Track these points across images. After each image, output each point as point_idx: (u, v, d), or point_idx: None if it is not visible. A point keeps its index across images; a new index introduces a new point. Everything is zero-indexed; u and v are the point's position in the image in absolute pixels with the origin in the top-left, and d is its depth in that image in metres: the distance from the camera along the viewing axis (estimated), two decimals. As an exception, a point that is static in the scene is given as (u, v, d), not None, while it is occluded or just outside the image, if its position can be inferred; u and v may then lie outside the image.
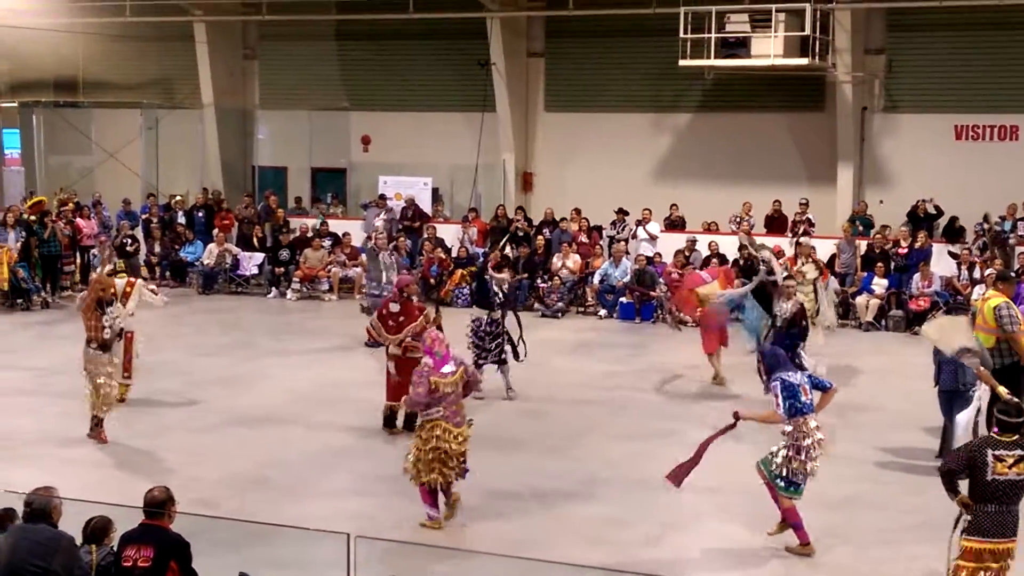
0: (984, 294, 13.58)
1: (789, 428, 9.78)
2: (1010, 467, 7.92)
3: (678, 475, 10.11)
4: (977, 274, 20.60)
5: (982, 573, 8.10)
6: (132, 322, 14.08)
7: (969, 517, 8.09)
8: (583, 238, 23.77)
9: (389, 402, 13.31)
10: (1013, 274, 16.72)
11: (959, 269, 21.22)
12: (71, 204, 24.98)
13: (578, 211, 24.34)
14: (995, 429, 8.14)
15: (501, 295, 15.36)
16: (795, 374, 10.06)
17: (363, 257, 21.95)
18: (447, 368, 10.34)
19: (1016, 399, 9.22)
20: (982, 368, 11.35)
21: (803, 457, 9.74)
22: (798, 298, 15.43)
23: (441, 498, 10.46)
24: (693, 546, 10.27)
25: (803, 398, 9.82)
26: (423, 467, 10.29)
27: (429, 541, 8.57)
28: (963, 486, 8.21)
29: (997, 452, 7.95)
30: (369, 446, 13.03)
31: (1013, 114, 23.75)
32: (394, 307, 13.44)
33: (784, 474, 9.80)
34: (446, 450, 10.24)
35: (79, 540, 7.68)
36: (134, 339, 13.85)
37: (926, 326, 13.64)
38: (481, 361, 14.91)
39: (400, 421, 13.31)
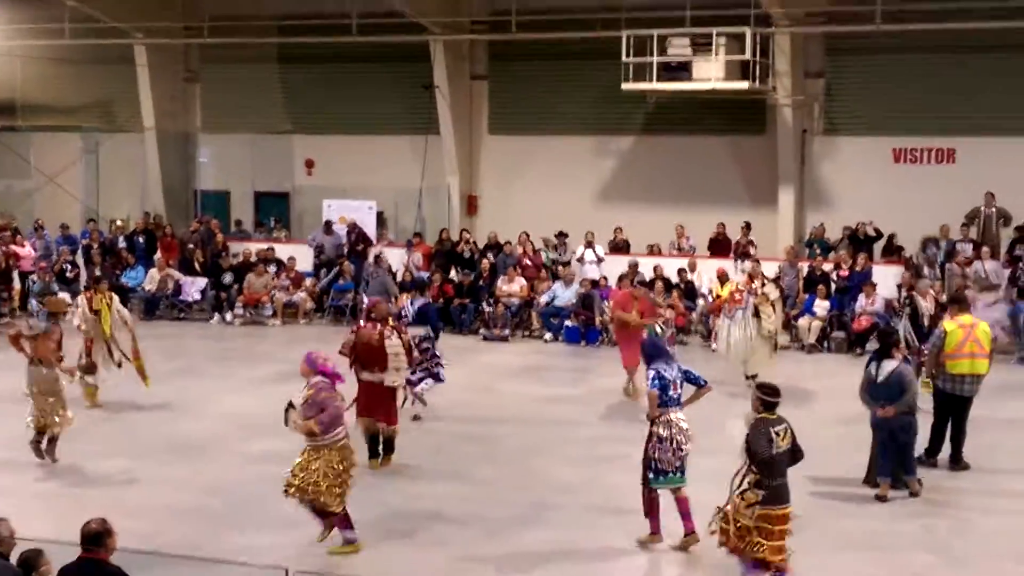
0: (957, 319, 13.44)
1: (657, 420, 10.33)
2: (783, 439, 9.17)
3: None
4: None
5: (777, 539, 9.16)
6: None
7: (764, 492, 9.10)
8: (526, 261, 23.80)
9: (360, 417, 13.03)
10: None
11: (899, 291, 21.46)
12: (9, 230, 24.66)
13: (527, 234, 24.38)
14: (762, 412, 9.24)
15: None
16: (671, 368, 10.52)
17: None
18: (339, 385, 10.43)
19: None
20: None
21: (666, 448, 10.25)
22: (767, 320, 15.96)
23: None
24: (647, 570, 10.27)
25: (671, 392, 10.39)
26: (341, 490, 10.21)
27: (368, 573, 8.49)
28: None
29: (775, 429, 9.15)
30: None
31: (950, 137, 24.11)
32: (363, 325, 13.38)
33: (652, 465, 10.31)
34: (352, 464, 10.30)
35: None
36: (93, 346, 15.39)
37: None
38: (421, 376, 14.88)
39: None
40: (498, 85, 27.59)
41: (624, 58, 23.85)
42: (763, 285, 17.90)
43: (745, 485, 9.27)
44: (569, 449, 14.15)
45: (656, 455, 10.31)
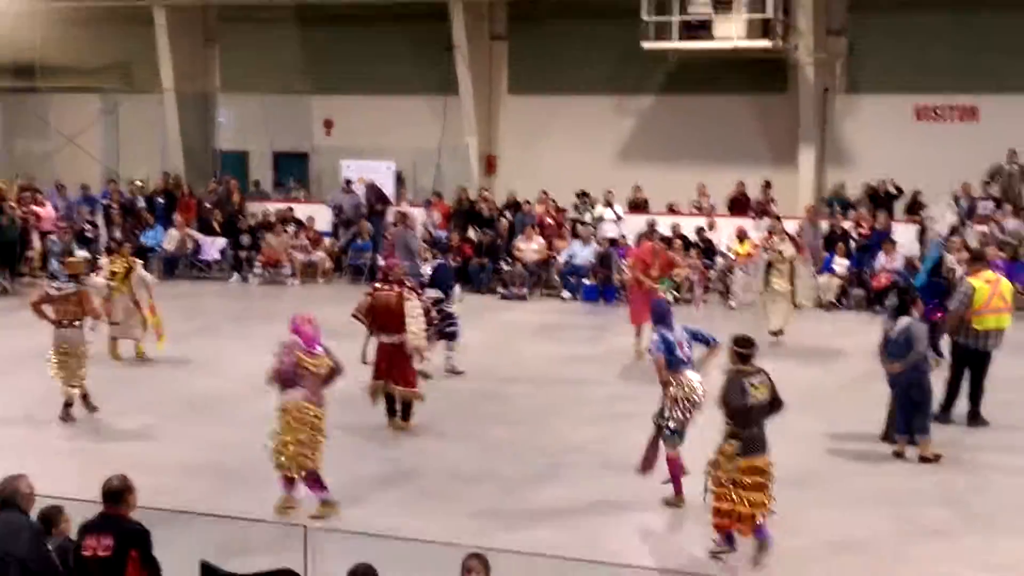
0: (982, 275, 13.38)
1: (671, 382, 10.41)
2: (759, 391, 9.19)
3: (647, 463, 10.50)
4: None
5: (753, 490, 9.15)
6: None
7: (740, 443, 9.13)
8: (548, 220, 23.76)
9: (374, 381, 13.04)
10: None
11: (921, 248, 21.35)
12: (30, 190, 24.76)
13: (545, 193, 24.33)
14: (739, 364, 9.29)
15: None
16: (674, 330, 10.60)
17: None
18: (316, 349, 10.41)
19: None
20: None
21: (680, 407, 10.36)
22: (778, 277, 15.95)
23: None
24: (657, 527, 10.31)
25: (678, 352, 10.47)
26: (311, 452, 10.28)
27: (386, 529, 8.56)
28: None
29: (751, 380, 9.17)
30: (331, 432, 12.97)
31: (973, 95, 23.90)
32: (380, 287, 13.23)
33: (670, 424, 10.40)
34: (318, 428, 10.30)
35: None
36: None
37: None
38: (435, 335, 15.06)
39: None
40: (518, 45, 27.44)
41: (645, 16, 23.72)
42: (780, 242, 17.84)
43: (721, 439, 9.35)
44: (585, 407, 14.18)
45: (673, 414, 10.38)
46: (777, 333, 17.56)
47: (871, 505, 10.74)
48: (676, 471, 10.51)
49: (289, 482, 10.42)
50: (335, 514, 10.25)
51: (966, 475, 11.66)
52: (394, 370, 12.90)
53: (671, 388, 10.42)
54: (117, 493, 7.59)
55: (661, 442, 10.52)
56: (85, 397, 13.54)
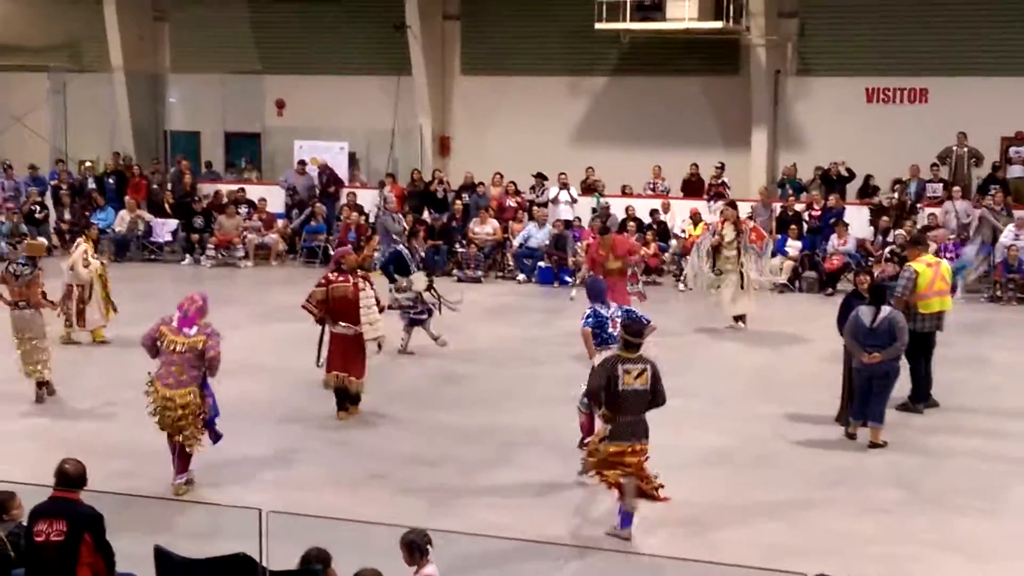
0: (922, 259, 13.51)
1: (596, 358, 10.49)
2: (635, 378, 9.26)
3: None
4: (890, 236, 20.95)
5: (619, 472, 9.38)
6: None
7: (610, 427, 9.35)
8: (509, 202, 23.73)
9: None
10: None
11: (874, 232, 21.57)
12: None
13: (500, 175, 24.31)
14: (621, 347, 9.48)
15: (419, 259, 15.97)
16: (608, 307, 10.90)
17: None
18: (189, 330, 10.26)
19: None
20: None
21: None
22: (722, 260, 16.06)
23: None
24: (614, 509, 10.35)
25: (609, 329, 10.69)
26: (162, 425, 10.34)
27: (341, 512, 8.54)
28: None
29: (625, 367, 9.28)
30: (286, 415, 12.95)
31: (923, 77, 24.11)
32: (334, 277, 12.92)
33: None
34: (172, 407, 10.19)
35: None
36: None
37: None
38: (416, 318, 15.53)
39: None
40: (471, 25, 27.38)
41: (597, -3, 23.75)
42: (721, 225, 17.78)
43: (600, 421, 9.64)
44: (540, 389, 14.20)
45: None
46: (738, 319, 17.61)
47: (824, 486, 10.85)
48: (585, 432, 10.85)
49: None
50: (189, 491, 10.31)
51: (917, 456, 11.79)
52: (349, 363, 12.69)
53: (594, 361, 10.58)
54: (70, 477, 7.54)
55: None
56: (44, 384, 13.35)
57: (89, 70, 29.22)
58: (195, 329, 10.29)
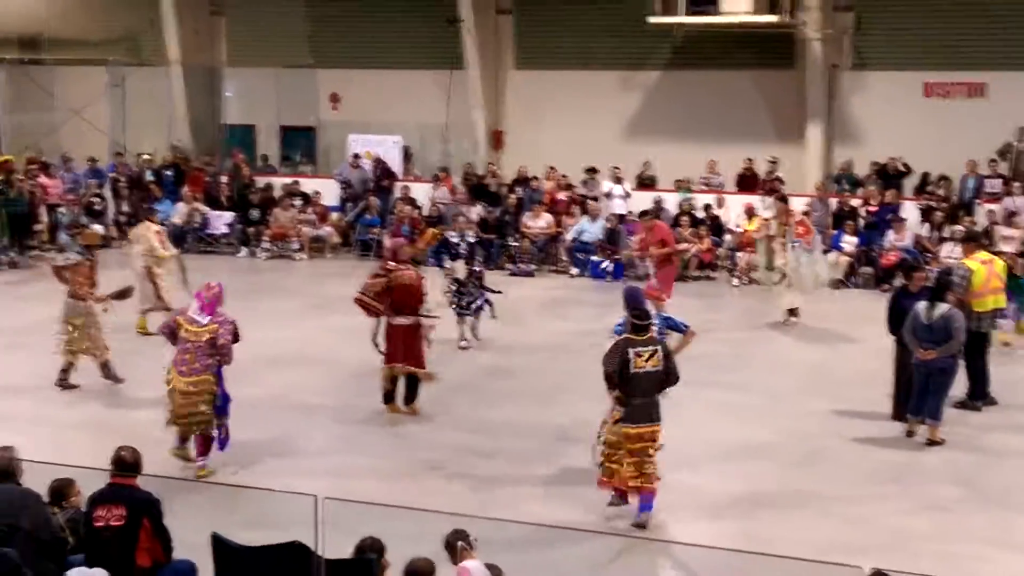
0: (977, 257, 13.41)
1: None
2: (647, 360, 9.48)
3: None
4: (947, 232, 20.73)
5: (631, 457, 9.52)
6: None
7: (624, 408, 9.53)
8: (560, 195, 23.72)
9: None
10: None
11: (930, 227, 21.33)
12: (37, 163, 24.74)
13: (553, 168, 24.28)
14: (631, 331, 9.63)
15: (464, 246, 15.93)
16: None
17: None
18: (202, 319, 10.47)
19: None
20: None
21: None
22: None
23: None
24: (663, 502, 10.33)
25: None
26: (174, 415, 10.57)
27: (395, 501, 8.59)
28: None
29: (636, 350, 9.46)
30: (341, 406, 13.03)
31: (981, 71, 23.77)
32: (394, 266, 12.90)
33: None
34: (184, 394, 10.44)
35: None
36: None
37: None
38: (462, 312, 15.55)
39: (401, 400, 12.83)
40: (524, 19, 27.34)
41: (652, -9, 23.66)
42: (775, 224, 17.71)
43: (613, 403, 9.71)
44: (593, 383, 14.06)
45: None
46: (792, 313, 17.49)
47: (880, 482, 10.77)
48: None
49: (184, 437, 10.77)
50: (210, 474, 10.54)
51: (975, 454, 11.68)
52: (409, 352, 12.63)
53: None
54: (127, 463, 7.64)
55: None
56: (105, 365, 13.54)
57: (147, 64, 29.49)
58: (209, 318, 10.51)
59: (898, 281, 14.75)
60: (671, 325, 10.86)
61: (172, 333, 10.65)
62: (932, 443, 11.77)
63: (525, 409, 13.05)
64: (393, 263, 12.89)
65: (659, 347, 9.63)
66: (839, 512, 10.02)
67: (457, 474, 10.84)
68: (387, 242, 13.84)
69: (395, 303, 12.60)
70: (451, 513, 7.42)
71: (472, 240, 16.12)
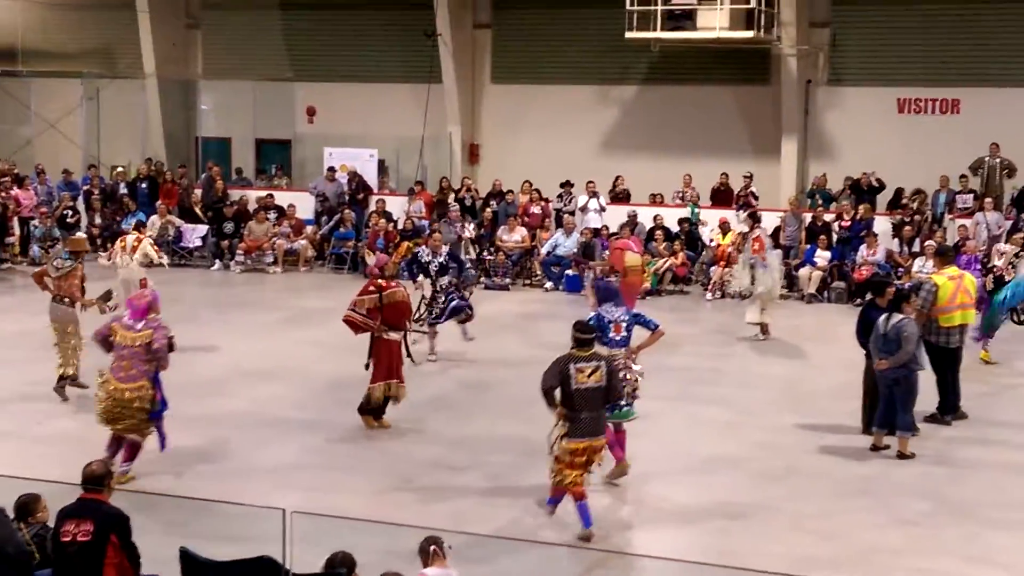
0: (945, 272, 13.56)
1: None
2: (588, 376, 9.48)
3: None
4: (917, 247, 20.85)
5: (577, 469, 9.59)
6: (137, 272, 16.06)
7: (567, 424, 9.56)
8: (534, 209, 23.75)
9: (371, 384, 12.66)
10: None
11: (900, 243, 21.44)
12: (10, 175, 24.61)
13: (529, 183, 24.30)
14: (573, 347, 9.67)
15: (436, 264, 15.81)
16: (616, 310, 10.95)
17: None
18: (136, 324, 10.60)
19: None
20: None
21: None
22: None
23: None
24: (638, 514, 10.34)
25: (611, 333, 10.81)
26: (103, 416, 10.65)
27: (367, 516, 8.56)
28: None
29: (578, 365, 9.50)
30: (314, 419, 12.98)
31: (955, 87, 23.96)
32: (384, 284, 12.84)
33: None
34: (120, 400, 10.50)
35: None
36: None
37: None
38: (435, 321, 15.53)
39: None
40: (501, 33, 27.41)
41: (628, 6, 23.73)
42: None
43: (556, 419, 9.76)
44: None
45: None
46: (761, 328, 17.51)
47: (852, 496, 10.78)
48: (610, 441, 10.68)
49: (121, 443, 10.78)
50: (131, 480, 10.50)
51: (945, 468, 11.71)
52: (395, 370, 12.60)
53: None
54: (97, 477, 7.59)
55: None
56: (74, 378, 13.49)
57: (122, 76, 29.41)
58: (143, 323, 10.63)
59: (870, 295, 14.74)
60: (640, 321, 11.02)
61: (105, 340, 10.80)
62: (902, 456, 11.81)
63: (500, 423, 13.02)
64: (383, 280, 12.85)
65: (603, 362, 9.65)
66: (812, 526, 10.02)
67: (430, 488, 10.80)
68: (371, 259, 13.76)
69: (388, 320, 12.59)
70: (423, 527, 7.39)
71: (443, 260, 15.98)
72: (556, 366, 9.63)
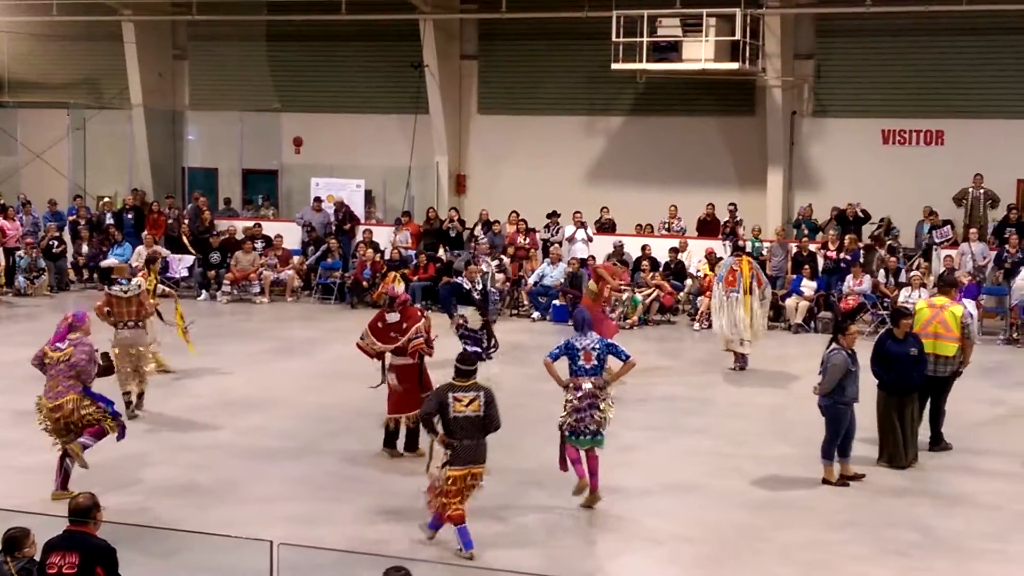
0: (931, 299, 13.71)
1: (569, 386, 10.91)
2: (466, 405, 9.71)
3: (562, 463, 11.01)
4: (903, 277, 20.96)
5: (456, 496, 9.76)
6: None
7: (449, 451, 9.74)
8: (521, 240, 23.80)
9: (391, 415, 12.65)
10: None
11: (886, 273, 21.52)
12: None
13: (516, 213, 24.37)
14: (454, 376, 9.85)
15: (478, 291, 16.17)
16: (586, 339, 10.96)
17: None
18: (62, 344, 11.01)
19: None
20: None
21: (577, 411, 10.79)
22: None
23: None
24: (628, 543, 10.31)
25: (580, 361, 10.88)
26: (56, 435, 10.95)
27: (354, 547, 8.53)
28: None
29: (456, 394, 9.74)
30: (300, 450, 12.94)
31: (939, 119, 24.17)
32: (392, 317, 12.76)
33: (565, 424, 10.87)
34: (53, 414, 10.81)
35: (-2, 550, 7.57)
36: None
37: None
38: (487, 354, 15.55)
39: (401, 442, 12.65)
40: (488, 65, 27.55)
41: (614, 38, 23.86)
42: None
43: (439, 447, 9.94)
44: (555, 428, 14.10)
45: (568, 419, 10.85)
46: (737, 359, 17.49)
47: (839, 527, 10.78)
48: (574, 463, 10.90)
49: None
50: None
51: (931, 498, 11.72)
52: (412, 396, 12.50)
53: (567, 393, 10.90)
54: (84, 510, 7.56)
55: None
56: (141, 396, 14.09)
57: (109, 107, 29.47)
58: (66, 343, 11.04)
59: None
60: (613, 351, 11.06)
61: (40, 363, 11.15)
62: (825, 482, 11.88)
63: (488, 454, 12.95)
64: (401, 307, 12.81)
65: (482, 392, 9.85)
66: (800, 557, 10.01)
67: (417, 519, 10.74)
68: (387, 289, 13.73)
69: (401, 346, 12.58)
70: (410, 559, 7.35)
71: (485, 287, 16.14)
72: (436, 395, 9.98)
